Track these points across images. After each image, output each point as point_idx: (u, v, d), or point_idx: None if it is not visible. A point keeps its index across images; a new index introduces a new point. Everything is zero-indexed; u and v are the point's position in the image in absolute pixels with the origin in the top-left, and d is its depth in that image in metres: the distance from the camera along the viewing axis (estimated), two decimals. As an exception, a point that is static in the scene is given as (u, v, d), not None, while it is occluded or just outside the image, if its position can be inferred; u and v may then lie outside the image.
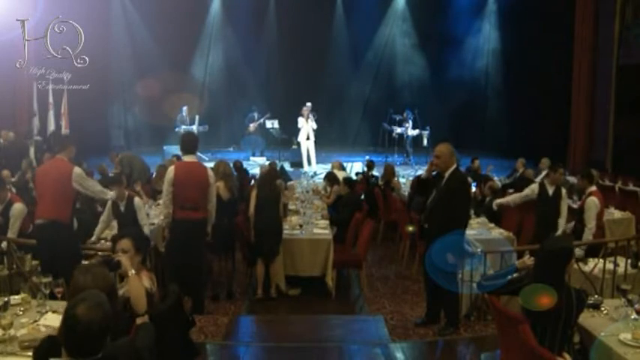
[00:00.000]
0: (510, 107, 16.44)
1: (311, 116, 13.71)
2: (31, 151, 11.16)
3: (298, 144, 14.57)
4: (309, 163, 13.94)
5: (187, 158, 5.61)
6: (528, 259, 4.03)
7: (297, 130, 14.78)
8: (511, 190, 9.56)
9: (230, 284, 6.41)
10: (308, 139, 13.88)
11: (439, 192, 5.04)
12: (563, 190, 6.61)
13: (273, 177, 6.76)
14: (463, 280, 5.20)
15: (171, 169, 5.53)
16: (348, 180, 8.59)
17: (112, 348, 2.32)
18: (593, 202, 6.24)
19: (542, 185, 6.70)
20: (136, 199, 6.14)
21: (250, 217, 6.35)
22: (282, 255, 6.27)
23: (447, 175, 5.01)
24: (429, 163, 5.25)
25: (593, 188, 6.45)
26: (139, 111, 16.21)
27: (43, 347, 2.44)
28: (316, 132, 14.06)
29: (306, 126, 13.75)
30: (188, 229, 5.40)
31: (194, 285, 5.49)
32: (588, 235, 6.17)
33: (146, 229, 5.92)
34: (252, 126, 15.31)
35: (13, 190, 6.83)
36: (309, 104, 13.82)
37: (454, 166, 5.06)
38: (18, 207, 6.02)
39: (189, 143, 5.58)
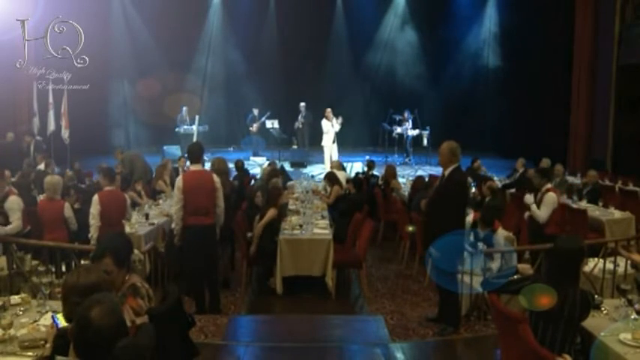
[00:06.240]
0: (510, 107, 16.42)
1: (335, 119, 13.55)
2: (31, 150, 11.14)
3: (302, 144, 14.56)
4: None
5: (194, 167, 5.82)
6: (529, 268, 4.02)
7: (296, 130, 14.78)
8: (511, 190, 9.57)
9: (227, 274, 6.52)
10: (334, 142, 13.62)
11: (436, 190, 5.04)
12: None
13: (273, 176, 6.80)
14: (463, 280, 5.20)
15: (179, 179, 5.77)
16: (354, 180, 8.65)
17: (116, 349, 2.31)
18: (551, 196, 6.19)
19: None
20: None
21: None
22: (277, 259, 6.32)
23: (446, 174, 4.97)
24: None
25: (549, 186, 6.42)
26: (139, 111, 16.20)
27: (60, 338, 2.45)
28: (317, 132, 14.05)
29: (332, 130, 13.52)
30: (201, 233, 5.61)
31: (211, 284, 5.82)
32: (536, 212, 6.22)
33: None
34: (254, 126, 15.28)
35: (15, 190, 6.82)
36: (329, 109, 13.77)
37: (454, 165, 4.96)
38: (12, 199, 6.13)
39: (194, 153, 5.82)
